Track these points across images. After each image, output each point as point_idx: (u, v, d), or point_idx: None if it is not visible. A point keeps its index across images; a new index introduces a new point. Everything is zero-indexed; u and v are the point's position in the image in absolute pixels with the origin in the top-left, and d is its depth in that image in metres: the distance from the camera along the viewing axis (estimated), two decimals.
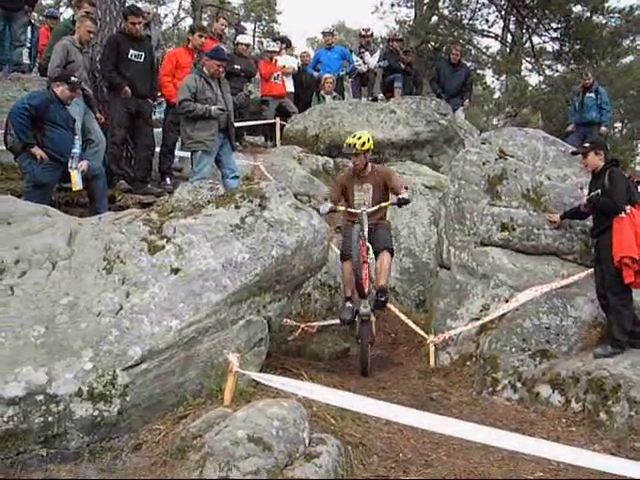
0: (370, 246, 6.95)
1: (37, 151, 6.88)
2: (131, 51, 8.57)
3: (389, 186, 7.17)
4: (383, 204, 7.11)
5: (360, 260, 6.40)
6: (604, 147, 6.53)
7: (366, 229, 6.86)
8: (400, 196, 6.97)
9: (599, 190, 6.21)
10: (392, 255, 7.15)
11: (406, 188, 7.17)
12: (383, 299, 6.86)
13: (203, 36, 9.68)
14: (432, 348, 6.99)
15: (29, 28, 11.38)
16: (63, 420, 4.07)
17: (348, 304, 6.75)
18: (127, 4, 9.97)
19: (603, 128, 12.54)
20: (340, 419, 4.69)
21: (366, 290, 6.58)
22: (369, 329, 6.70)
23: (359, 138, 7.06)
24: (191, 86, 7.95)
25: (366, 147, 7.07)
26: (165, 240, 5.07)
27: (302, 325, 7.48)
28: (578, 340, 6.23)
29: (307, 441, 4.01)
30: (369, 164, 7.24)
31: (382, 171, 7.38)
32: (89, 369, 4.21)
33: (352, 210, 7.13)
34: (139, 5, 10.71)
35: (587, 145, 6.56)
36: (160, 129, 9.73)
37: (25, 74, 10.51)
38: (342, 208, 7.22)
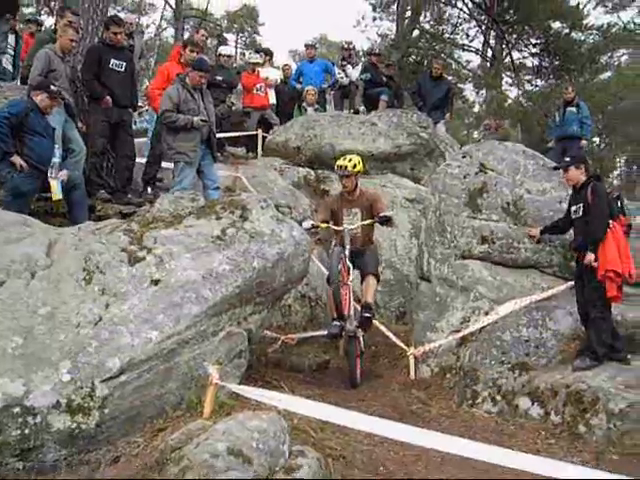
0: (351, 266, 6.92)
1: (17, 160, 6.81)
2: (112, 61, 8.53)
3: (374, 208, 7.20)
4: (365, 222, 7.14)
5: (339, 283, 6.45)
6: (585, 161, 6.59)
7: (348, 247, 6.89)
8: (382, 214, 7.02)
9: (581, 205, 6.26)
10: (378, 280, 7.24)
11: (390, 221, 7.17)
12: (368, 315, 6.90)
13: (194, 51, 9.68)
14: (412, 360, 7.01)
15: (13, 36, 11.27)
16: (40, 433, 4.01)
17: (335, 322, 6.75)
18: (109, 14, 9.96)
19: (583, 142, 12.68)
20: (320, 431, 4.67)
21: (345, 312, 6.60)
22: (356, 345, 6.74)
23: (350, 160, 7.14)
24: (173, 96, 7.94)
25: (357, 169, 7.15)
26: (145, 251, 5.04)
27: (282, 337, 7.46)
28: (557, 353, 6.27)
29: (287, 454, 3.98)
30: (358, 187, 7.30)
31: (370, 195, 7.43)
32: (67, 381, 4.16)
33: (335, 227, 7.18)
34: (121, 15, 10.71)
35: (568, 159, 6.60)
36: (141, 139, 9.69)
37: (5, 82, 10.40)
38: (324, 225, 7.24)
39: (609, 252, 5.87)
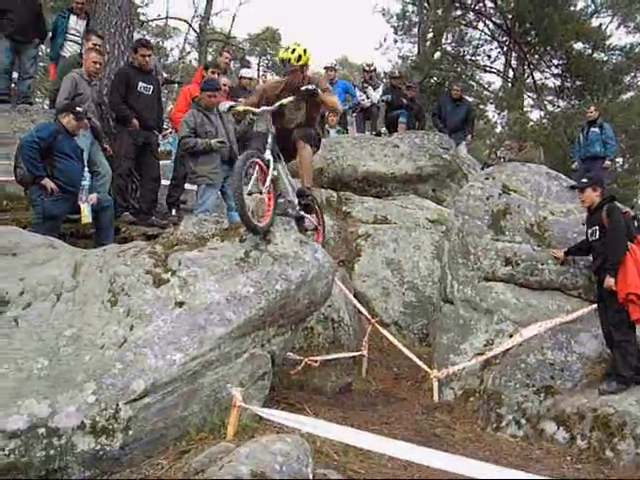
0: (271, 160, 5.78)
1: (48, 183, 6.89)
2: (140, 84, 8.64)
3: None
4: (286, 100, 6.01)
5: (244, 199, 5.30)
6: (601, 183, 6.58)
7: (271, 140, 5.89)
8: (303, 88, 5.99)
9: (597, 227, 6.25)
10: (316, 147, 6.48)
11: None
12: (307, 202, 6.41)
13: (216, 72, 9.80)
14: (436, 383, 6.96)
15: (84, 22, 11.12)
16: (65, 454, 4.03)
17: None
18: (135, 38, 10.12)
19: (607, 162, 12.62)
20: (343, 454, 4.65)
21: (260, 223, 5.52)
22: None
23: (292, 51, 6.23)
24: (190, 122, 7.99)
25: (302, 61, 6.28)
26: (170, 273, 5.08)
27: (305, 359, 7.44)
28: (582, 376, 6.21)
29: (311, 477, 3.97)
30: (305, 78, 6.32)
31: (313, 80, 6.37)
32: (92, 402, 4.18)
33: (252, 109, 6.17)
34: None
35: (585, 181, 6.59)
36: (165, 161, 9.79)
37: (32, 106, 10.58)
38: (241, 108, 6.27)
39: (629, 275, 5.82)
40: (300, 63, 6.26)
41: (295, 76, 6.32)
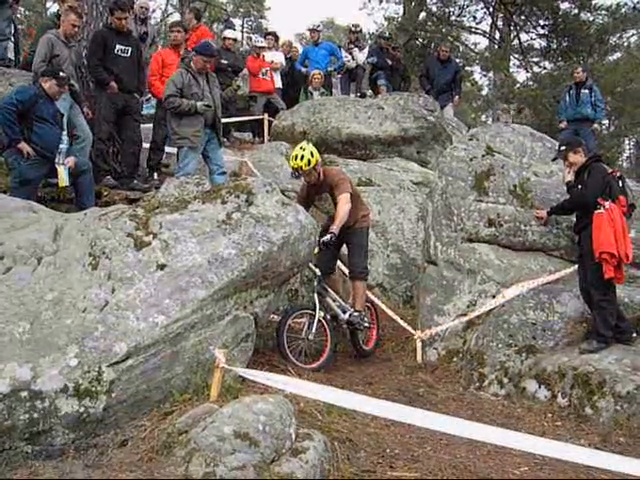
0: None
1: (24, 147, 6.82)
2: (117, 46, 8.50)
3: (334, 196, 6.93)
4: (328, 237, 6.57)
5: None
6: (580, 143, 6.53)
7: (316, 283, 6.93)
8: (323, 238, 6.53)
9: (580, 187, 6.25)
10: (366, 279, 7.27)
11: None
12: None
13: (174, 30, 9.76)
14: (419, 344, 7.02)
15: (11, 25, 11.18)
16: (48, 417, 4.04)
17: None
18: None
19: (595, 125, 12.60)
20: (327, 415, 4.69)
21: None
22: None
23: (301, 158, 6.74)
24: (177, 82, 7.92)
25: (312, 164, 6.78)
26: (151, 236, 5.04)
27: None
28: (564, 335, 6.26)
29: (294, 437, 4.00)
30: (321, 174, 6.97)
31: (331, 179, 6.99)
32: (74, 365, 4.18)
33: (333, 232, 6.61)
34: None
35: (563, 148, 6.51)
36: (148, 125, 9.69)
37: (10, 69, 10.39)
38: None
39: (603, 234, 5.82)
40: (311, 166, 6.79)
41: (311, 177, 6.91)
